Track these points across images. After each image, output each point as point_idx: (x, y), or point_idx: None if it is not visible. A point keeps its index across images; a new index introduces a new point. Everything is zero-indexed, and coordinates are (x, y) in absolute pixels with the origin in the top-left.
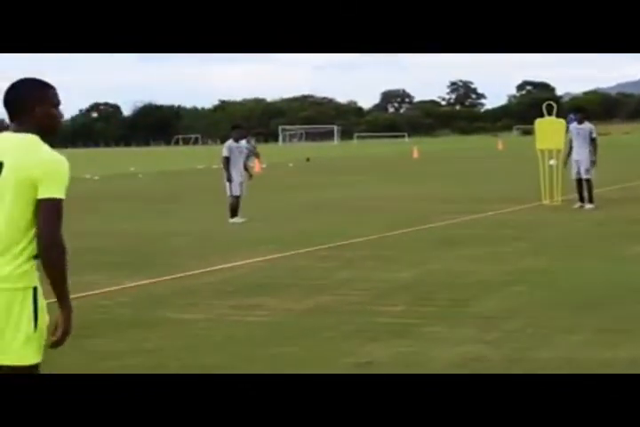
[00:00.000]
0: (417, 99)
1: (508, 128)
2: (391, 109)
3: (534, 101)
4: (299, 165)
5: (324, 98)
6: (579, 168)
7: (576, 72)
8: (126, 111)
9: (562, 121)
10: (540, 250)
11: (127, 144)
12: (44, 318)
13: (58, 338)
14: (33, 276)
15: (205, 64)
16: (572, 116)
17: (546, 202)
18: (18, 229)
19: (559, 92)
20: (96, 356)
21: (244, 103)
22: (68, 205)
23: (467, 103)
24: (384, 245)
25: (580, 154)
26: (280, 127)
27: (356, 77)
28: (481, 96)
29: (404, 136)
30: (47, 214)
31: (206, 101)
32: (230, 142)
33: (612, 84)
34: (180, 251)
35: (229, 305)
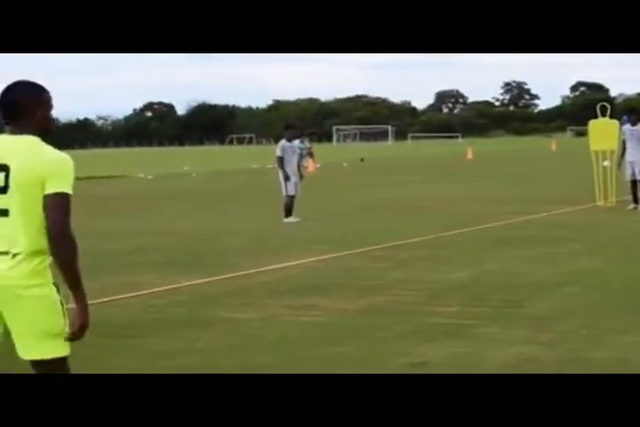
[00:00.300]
0: (471, 99)
1: (562, 129)
2: (445, 110)
3: (588, 102)
4: (353, 165)
5: (378, 98)
6: (633, 169)
7: (630, 73)
8: (180, 110)
9: (615, 122)
10: (594, 251)
11: (181, 143)
12: (67, 312)
13: (76, 332)
14: (51, 271)
15: (260, 63)
16: (625, 117)
17: (600, 203)
18: (34, 228)
19: (613, 93)
20: (149, 356)
21: (298, 103)
22: (123, 204)
23: (520, 104)
24: (438, 246)
25: (634, 155)
26: (334, 127)
27: (409, 77)
28: (534, 97)
29: (457, 137)
30: (55, 208)
31: (260, 101)
32: (283, 142)
33: None
34: (233, 250)
35: (283, 305)
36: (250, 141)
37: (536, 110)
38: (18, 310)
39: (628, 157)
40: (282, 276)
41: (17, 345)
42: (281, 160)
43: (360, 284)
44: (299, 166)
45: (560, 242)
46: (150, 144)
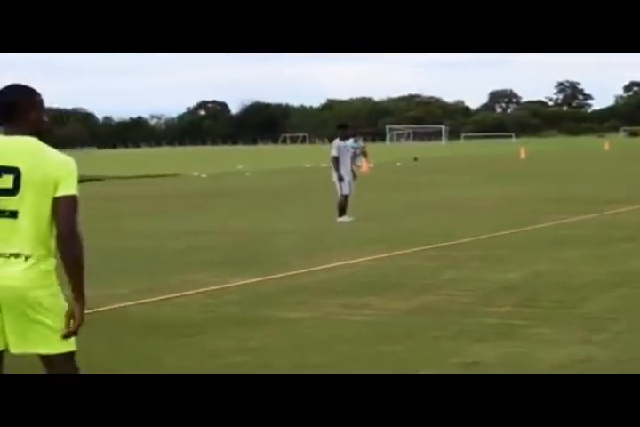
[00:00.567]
0: (524, 99)
1: (615, 129)
2: (498, 110)
3: None
4: (406, 165)
5: (432, 97)
6: None
7: None
8: (234, 109)
9: None
10: None
11: (234, 142)
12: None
13: (73, 329)
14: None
15: (313, 63)
16: None
17: None
18: (43, 230)
19: None
20: (203, 355)
21: (352, 102)
22: (177, 202)
23: (574, 104)
24: (492, 246)
25: None
26: (387, 127)
27: (462, 77)
28: (588, 97)
29: (510, 136)
30: (68, 209)
31: (314, 100)
32: (338, 141)
33: None
34: (287, 249)
35: (336, 304)
36: (303, 140)
37: (589, 110)
38: (31, 310)
39: None
40: (335, 275)
41: (20, 341)
42: (336, 160)
43: (413, 283)
44: (352, 166)
45: (614, 242)
46: (204, 143)
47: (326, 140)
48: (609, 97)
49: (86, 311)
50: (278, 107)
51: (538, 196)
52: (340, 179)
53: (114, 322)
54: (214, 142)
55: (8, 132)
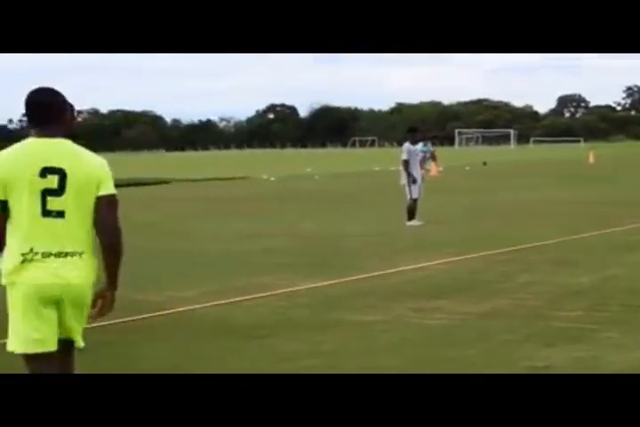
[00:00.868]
0: (592, 104)
1: None
2: (567, 114)
3: None
4: (475, 169)
5: (500, 102)
6: None
7: None
8: (303, 113)
9: None
10: None
11: (303, 146)
12: None
13: (105, 312)
14: None
15: (382, 66)
16: None
17: None
18: (87, 228)
19: None
20: (274, 357)
21: (421, 106)
22: (247, 205)
23: None
24: (563, 249)
25: None
26: (456, 131)
27: (530, 81)
28: None
29: (579, 141)
30: (110, 207)
31: (383, 104)
32: (408, 145)
33: None
34: (356, 252)
35: (407, 307)
36: (372, 144)
37: None
38: (82, 305)
39: None
40: (405, 278)
41: (67, 335)
42: (406, 163)
43: (484, 287)
44: (421, 169)
45: None
46: (272, 146)
47: (395, 144)
48: None
49: (155, 314)
50: (347, 110)
51: (608, 200)
52: (413, 182)
53: (183, 324)
54: (283, 146)
55: (44, 134)
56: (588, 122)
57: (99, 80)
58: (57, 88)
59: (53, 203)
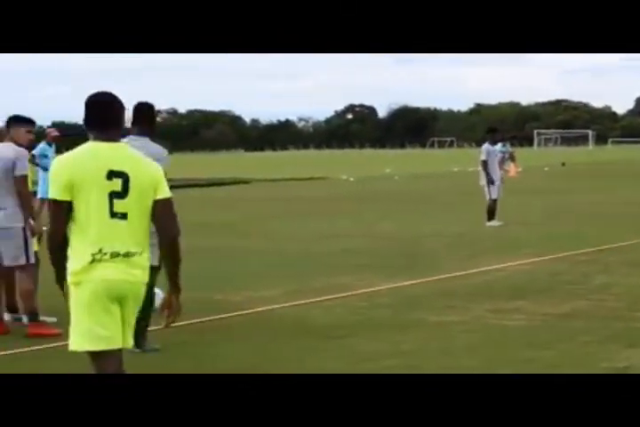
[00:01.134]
0: None
1: None
2: None
3: None
4: (554, 170)
5: (579, 102)
6: None
7: None
8: (382, 113)
9: None
10: None
11: (382, 146)
12: None
13: (173, 319)
14: None
15: (461, 66)
16: None
17: None
18: (145, 230)
19: None
20: (354, 357)
21: (499, 106)
22: (327, 205)
23: None
24: None
25: None
26: (535, 131)
27: (608, 82)
28: None
29: None
30: (170, 210)
31: (462, 104)
32: (487, 146)
33: None
34: (436, 253)
35: (486, 308)
36: (450, 145)
37: None
38: (140, 302)
39: None
40: (485, 279)
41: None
42: (485, 164)
43: (563, 288)
44: (500, 170)
45: None
46: (351, 146)
47: (474, 145)
48: None
49: (233, 314)
50: (426, 111)
51: None
52: (491, 182)
53: (261, 324)
54: (362, 146)
55: (104, 138)
56: None
57: (175, 80)
58: (134, 88)
59: (118, 205)
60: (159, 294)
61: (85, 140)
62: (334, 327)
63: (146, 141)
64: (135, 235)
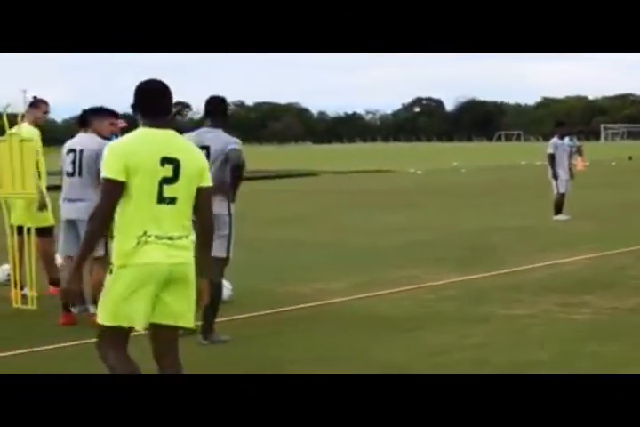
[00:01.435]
0: None
1: None
2: None
3: None
4: (621, 164)
5: None
6: None
7: None
8: (449, 106)
9: None
10: None
11: (449, 139)
12: None
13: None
14: None
15: (527, 60)
16: None
17: None
18: (189, 215)
19: None
20: (423, 350)
21: (566, 100)
22: (395, 198)
23: None
24: None
25: None
26: (602, 125)
27: None
28: None
29: None
30: (210, 198)
31: (529, 98)
32: (555, 140)
33: None
34: (503, 246)
35: (554, 302)
36: (517, 138)
37: None
38: (187, 284)
39: None
40: (552, 273)
41: (166, 314)
42: (552, 158)
43: (632, 282)
44: (569, 164)
45: None
46: (418, 139)
47: (541, 139)
48: None
49: (302, 306)
50: (493, 104)
51: None
52: (555, 177)
53: (329, 316)
54: (429, 139)
55: (155, 125)
56: None
57: (243, 72)
58: (201, 79)
59: (168, 190)
60: (227, 285)
61: None
62: (402, 320)
63: (219, 133)
64: (181, 219)
